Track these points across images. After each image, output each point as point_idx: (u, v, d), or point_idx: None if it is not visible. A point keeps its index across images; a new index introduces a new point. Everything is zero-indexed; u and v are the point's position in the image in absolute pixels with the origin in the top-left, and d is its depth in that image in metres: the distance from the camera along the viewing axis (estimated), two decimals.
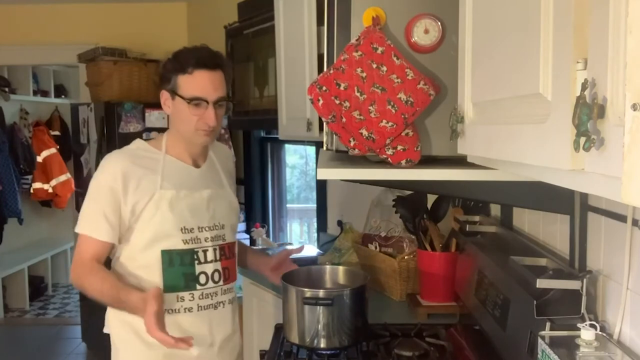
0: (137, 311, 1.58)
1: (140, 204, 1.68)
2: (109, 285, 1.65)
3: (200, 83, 1.67)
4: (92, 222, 1.69)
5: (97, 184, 1.70)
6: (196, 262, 1.73)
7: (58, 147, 6.02)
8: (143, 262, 1.71)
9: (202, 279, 1.74)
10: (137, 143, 1.80)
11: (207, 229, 1.76)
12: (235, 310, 1.89)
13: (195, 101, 1.67)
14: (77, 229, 1.71)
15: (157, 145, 1.78)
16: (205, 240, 1.75)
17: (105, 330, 1.82)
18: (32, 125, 5.98)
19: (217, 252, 1.77)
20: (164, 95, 1.74)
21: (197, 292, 1.74)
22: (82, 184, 4.31)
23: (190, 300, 1.73)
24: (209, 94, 1.68)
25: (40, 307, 5.68)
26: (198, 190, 1.77)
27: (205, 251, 1.75)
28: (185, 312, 1.72)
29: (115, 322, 1.77)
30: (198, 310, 1.74)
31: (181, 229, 1.71)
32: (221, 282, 1.78)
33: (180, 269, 1.71)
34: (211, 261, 1.76)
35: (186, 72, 1.67)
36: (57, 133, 6.22)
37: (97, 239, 1.68)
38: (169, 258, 1.70)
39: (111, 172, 1.68)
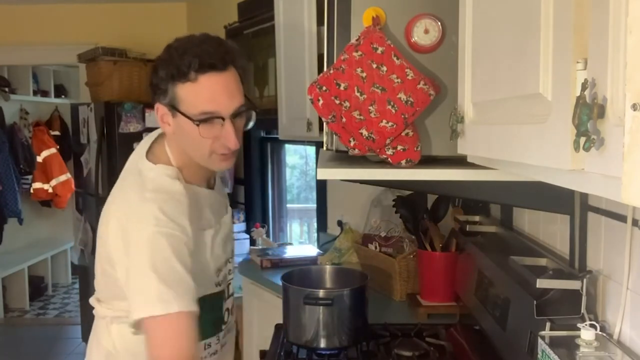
0: None
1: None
2: None
3: (210, 93, 1.24)
4: (182, 294, 1.19)
5: (162, 243, 1.20)
6: (223, 301, 1.46)
7: (58, 147, 6.02)
8: None
9: (226, 316, 1.49)
10: (159, 169, 1.30)
11: (230, 260, 1.48)
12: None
13: (206, 120, 1.25)
14: (154, 311, 1.18)
15: (165, 161, 1.33)
16: (229, 273, 1.47)
17: None
18: (32, 125, 5.98)
19: (232, 281, 1.53)
20: (161, 110, 1.30)
21: (222, 332, 1.47)
22: (82, 184, 4.31)
23: (216, 343, 1.45)
24: (223, 105, 1.25)
25: (40, 307, 5.68)
26: (222, 216, 1.45)
27: (228, 285, 1.49)
28: (210, 356, 1.44)
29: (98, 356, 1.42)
30: (221, 349, 1.48)
31: (216, 272, 1.40)
32: (232, 312, 1.56)
33: (210, 315, 1.39)
34: (231, 295, 1.50)
35: (187, 80, 1.23)
36: (57, 133, 6.22)
37: (193, 311, 1.22)
38: (199, 306, 1.27)
39: (179, 227, 1.23)
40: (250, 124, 1.35)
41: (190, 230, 1.24)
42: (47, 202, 6.00)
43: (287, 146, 4.03)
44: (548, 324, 1.19)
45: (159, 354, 1.20)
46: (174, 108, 1.27)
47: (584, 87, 0.62)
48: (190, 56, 1.23)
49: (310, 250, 3.10)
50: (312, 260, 2.85)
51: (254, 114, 1.32)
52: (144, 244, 1.20)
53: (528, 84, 0.78)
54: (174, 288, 1.18)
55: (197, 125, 1.24)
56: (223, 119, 1.26)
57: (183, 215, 1.24)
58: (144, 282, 1.19)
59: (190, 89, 1.24)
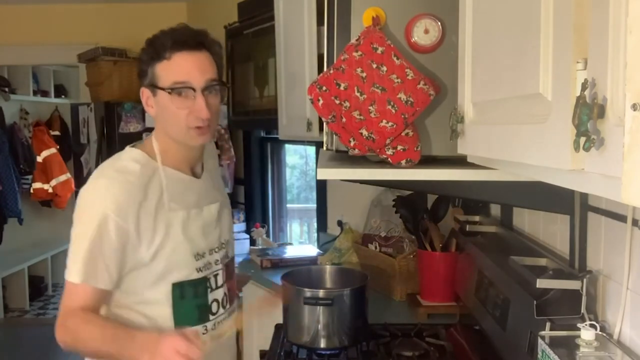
0: (148, 347, 1.26)
1: (148, 233, 1.37)
2: (112, 330, 1.34)
3: (182, 67, 1.37)
4: (90, 269, 1.34)
5: (95, 217, 1.34)
6: (209, 290, 1.49)
7: (58, 147, 6.02)
8: (149, 298, 1.42)
9: (214, 307, 1.51)
10: (130, 153, 1.45)
11: (216, 250, 1.52)
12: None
13: (177, 89, 1.37)
14: (71, 277, 1.35)
15: (151, 153, 1.44)
16: (216, 264, 1.51)
17: None
18: (32, 125, 5.98)
19: (224, 273, 1.55)
20: (145, 94, 1.44)
21: (210, 323, 1.50)
22: (82, 184, 4.29)
23: (203, 333, 1.46)
24: (193, 77, 1.37)
25: (40, 307, 5.68)
26: (206, 205, 1.51)
27: (216, 276, 1.51)
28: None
29: None
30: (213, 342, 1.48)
31: (194, 256, 1.45)
32: (228, 305, 1.57)
33: (193, 302, 1.46)
34: (221, 286, 1.53)
35: (163, 58, 1.37)
36: (57, 133, 6.22)
37: (94, 287, 1.35)
38: (181, 291, 1.43)
39: (114, 204, 1.34)
40: (225, 100, 1.48)
41: (134, 214, 1.35)
42: (47, 202, 5.99)
43: (287, 146, 4.03)
44: (548, 324, 1.19)
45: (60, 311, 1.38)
46: (153, 86, 1.40)
47: (584, 87, 0.62)
48: (166, 39, 1.38)
49: (310, 250, 3.10)
50: (312, 260, 2.85)
51: (227, 90, 1.45)
52: (81, 214, 1.38)
53: (528, 84, 0.78)
54: (86, 263, 1.34)
55: (169, 93, 1.37)
56: (194, 89, 1.37)
57: (130, 198, 1.35)
58: (70, 249, 1.37)
59: (165, 65, 1.38)
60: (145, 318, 1.44)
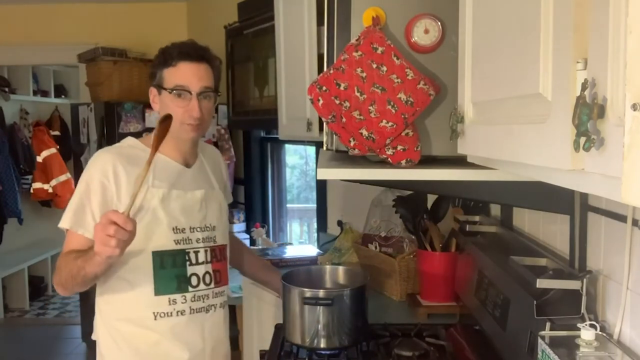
0: (99, 249, 1.41)
1: (127, 197, 1.58)
2: (73, 256, 1.55)
3: (183, 73, 1.65)
4: (79, 218, 1.61)
5: (86, 179, 1.63)
6: (187, 263, 1.69)
7: (58, 147, 6.02)
8: (132, 265, 1.64)
9: (194, 280, 1.70)
10: (128, 141, 1.75)
11: (198, 229, 1.72)
12: (226, 316, 1.85)
13: (177, 90, 1.64)
14: (61, 224, 1.63)
15: (147, 143, 1.67)
16: (197, 242, 1.71)
17: (93, 337, 1.77)
18: (32, 125, 5.98)
19: (208, 253, 1.74)
20: (152, 92, 1.72)
21: (189, 294, 1.69)
22: None
23: (182, 302, 1.68)
24: (192, 83, 1.64)
25: (40, 307, 5.68)
26: (190, 190, 1.73)
27: (196, 252, 1.71)
28: (178, 315, 1.68)
29: (103, 330, 1.72)
30: (191, 313, 1.69)
31: (173, 229, 1.67)
32: (212, 285, 1.75)
33: (172, 271, 1.67)
34: (202, 263, 1.72)
35: (170, 65, 1.65)
36: (57, 133, 6.22)
37: (82, 235, 1.61)
38: (160, 260, 1.65)
39: (101, 168, 1.61)
40: (216, 104, 1.78)
41: (115, 175, 1.62)
42: (47, 202, 6.00)
43: (287, 146, 4.03)
44: (548, 324, 1.19)
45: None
46: (159, 87, 1.69)
47: (584, 87, 0.62)
48: (174, 50, 1.67)
49: (310, 250, 3.10)
50: (312, 260, 2.85)
51: (217, 98, 1.75)
52: (79, 180, 1.66)
53: (528, 84, 0.78)
54: (75, 212, 1.62)
55: (170, 93, 1.66)
56: (191, 93, 1.65)
57: (116, 163, 1.63)
58: (69, 203, 1.65)
59: (171, 71, 1.67)
60: (128, 284, 1.66)
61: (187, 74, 1.65)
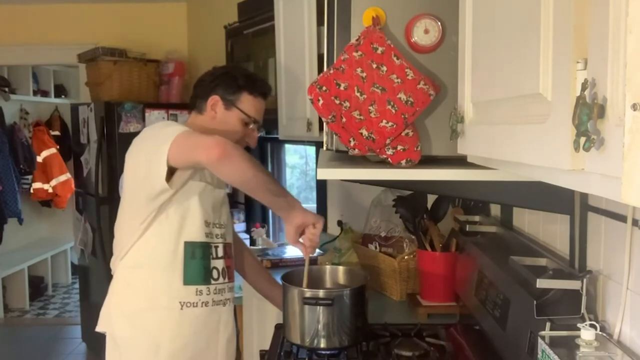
0: (293, 210, 1.67)
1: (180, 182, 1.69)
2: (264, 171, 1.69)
3: (260, 108, 1.90)
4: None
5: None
6: (211, 256, 1.79)
7: (58, 147, 6.02)
8: (163, 254, 1.73)
9: (215, 273, 1.80)
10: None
11: (218, 225, 1.83)
12: (234, 311, 1.93)
13: (252, 122, 1.87)
14: (174, 135, 1.62)
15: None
16: (217, 237, 1.82)
17: (99, 329, 1.79)
18: (32, 125, 5.98)
19: (224, 249, 1.84)
20: (215, 99, 1.85)
21: (212, 286, 1.79)
22: (82, 184, 4.31)
23: (207, 294, 1.77)
24: (261, 118, 1.91)
25: (40, 307, 5.68)
26: (218, 187, 1.84)
27: (216, 247, 1.81)
28: (202, 306, 1.76)
29: (122, 321, 1.75)
30: (212, 305, 1.79)
31: (204, 222, 1.77)
32: (227, 280, 1.85)
33: (200, 262, 1.76)
34: (221, 257, 1.83)
35: (254, 95, 1.86)
36: (57, 133, 6.22)
37: None
38: (192, 250, 1.75)
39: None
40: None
41: None
42: (47, 202, 6.00)
43: (287, 146, 4.03)
44: (548, 324, 1.19)
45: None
46: (232, 104, 1.85)
47: (584, 87, 0.62)
48: (262, 85, 1.92)
49: None
50: (312, 260, 2.84)
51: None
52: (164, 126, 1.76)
53: (528, 84, 0.78)
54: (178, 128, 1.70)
55: (246, 121, 1.86)
56: (257, 125, 1.89)
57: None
58: (160, 138, 1.67)
59: (252, 101, 1.87)
60: (159, 271, 1.73)
61: (260, 111, 1.90)
